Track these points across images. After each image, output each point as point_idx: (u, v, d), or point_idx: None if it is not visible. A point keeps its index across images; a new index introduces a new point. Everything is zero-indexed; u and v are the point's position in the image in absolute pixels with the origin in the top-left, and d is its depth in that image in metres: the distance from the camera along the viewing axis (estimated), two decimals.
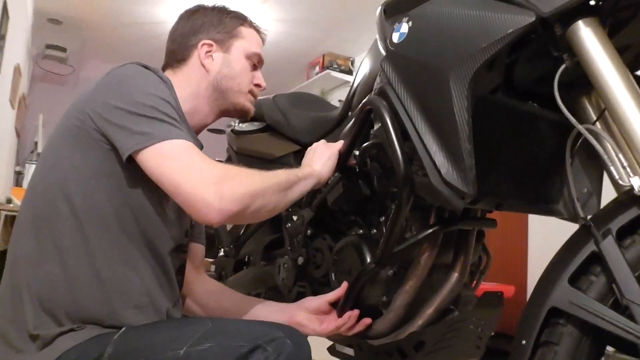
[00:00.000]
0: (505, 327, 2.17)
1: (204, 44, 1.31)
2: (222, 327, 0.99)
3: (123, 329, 1.04)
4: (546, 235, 3.34)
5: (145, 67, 1.16)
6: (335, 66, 5.46)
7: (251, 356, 0.90)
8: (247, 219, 1.12)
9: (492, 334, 1.22)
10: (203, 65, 1.30)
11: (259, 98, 1.81)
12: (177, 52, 1.33)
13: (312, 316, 1.29)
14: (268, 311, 1.33)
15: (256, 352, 0.91)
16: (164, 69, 1.34)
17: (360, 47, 5.36)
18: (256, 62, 1.39)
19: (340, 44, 5.38)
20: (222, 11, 1.37)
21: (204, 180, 1.03)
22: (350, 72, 5.48)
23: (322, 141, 1.36)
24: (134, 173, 1.09)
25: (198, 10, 1.36)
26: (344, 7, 4.62)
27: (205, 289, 1.42)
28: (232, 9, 1.40)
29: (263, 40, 1.42)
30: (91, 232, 1.07)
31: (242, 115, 1.39)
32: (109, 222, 1.08)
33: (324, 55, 5.46)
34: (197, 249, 1.43)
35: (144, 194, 1.12)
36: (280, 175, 1.15)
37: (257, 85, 1.39)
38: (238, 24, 1.36)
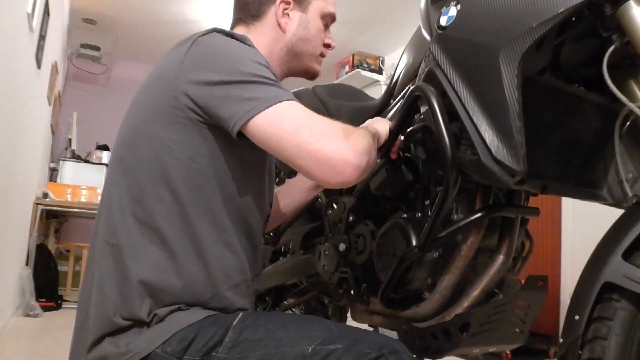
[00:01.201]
0: (536, 325, 2.15)
1: (281, 1, 1.25)
2: (346, 331, 0.98)
3: (240, 314, 1.03)
4: (579, 230, 3.32)
5: (229, 34, 1.11)
6: (365, 65, 5.45)
7: None
8: (364, 174, 1.03)
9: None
10: (279, 25, 1.25)
11: (298, 89, 1.84)
12: (252, 6, 1.26)
13: None
14: None
15: None
16: (235, 23, 1.29)
17: (390, 47, 5.36)
18: (329, 22, 1.34)
19: (369, 43, 5.38)
20: None
21: (334, 134, 0.98)
22: (380, 71, 5.47)
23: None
24: (233, 153, 1.07)
25: None
26: (373, 6, 4.62)
27: None
28: None
29: None
30: (194, 216, 1.04)
31: (310, 77, 1.35)
32: (210, 205, 1.06)
33: (353, 55, 5.46)
34: None
35: (243, 173, 1.10)
36: (366, 132, 1.10)
37: (327, 46, 1.34)
38: None
